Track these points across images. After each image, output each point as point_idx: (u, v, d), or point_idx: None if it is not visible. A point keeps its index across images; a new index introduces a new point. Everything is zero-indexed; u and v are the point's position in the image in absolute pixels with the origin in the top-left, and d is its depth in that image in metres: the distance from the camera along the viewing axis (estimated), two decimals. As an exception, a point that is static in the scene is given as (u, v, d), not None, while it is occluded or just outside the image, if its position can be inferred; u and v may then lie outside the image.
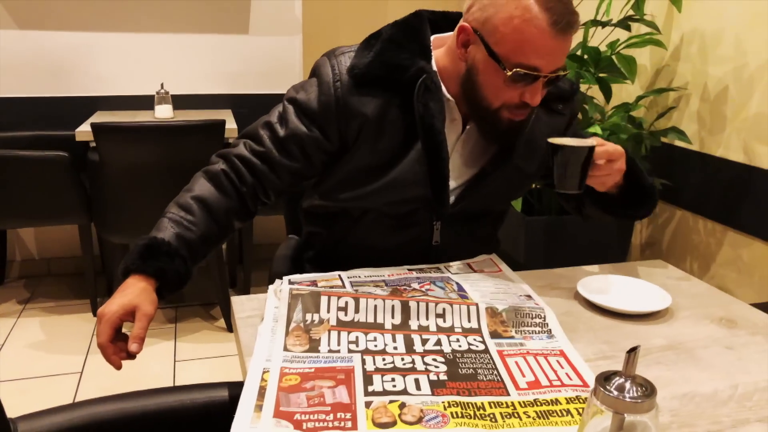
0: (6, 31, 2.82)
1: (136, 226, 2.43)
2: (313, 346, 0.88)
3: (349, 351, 0.88)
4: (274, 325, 0.93)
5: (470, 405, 0.78)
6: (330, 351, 0.88)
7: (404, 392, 0.79)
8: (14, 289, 2.96)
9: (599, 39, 2.21)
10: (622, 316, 1.02)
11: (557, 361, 0.88)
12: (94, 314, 2.70)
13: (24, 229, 3.05)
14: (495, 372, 0.85)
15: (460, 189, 1.19)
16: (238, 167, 1.14)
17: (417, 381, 0.82)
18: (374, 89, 1.11)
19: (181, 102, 3.01)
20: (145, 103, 2.99)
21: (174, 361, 2.39)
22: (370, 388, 0.80)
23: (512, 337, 0.94)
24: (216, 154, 1.18)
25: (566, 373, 0.85)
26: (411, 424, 0.74)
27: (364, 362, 0.85)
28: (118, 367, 0.91)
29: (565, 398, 0.79)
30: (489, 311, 0.98)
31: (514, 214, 2.14)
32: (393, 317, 0.95)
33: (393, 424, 0.74)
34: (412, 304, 0.96)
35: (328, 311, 0.94)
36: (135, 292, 0.96)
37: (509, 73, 1.01)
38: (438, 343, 0.92)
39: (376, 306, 0.96)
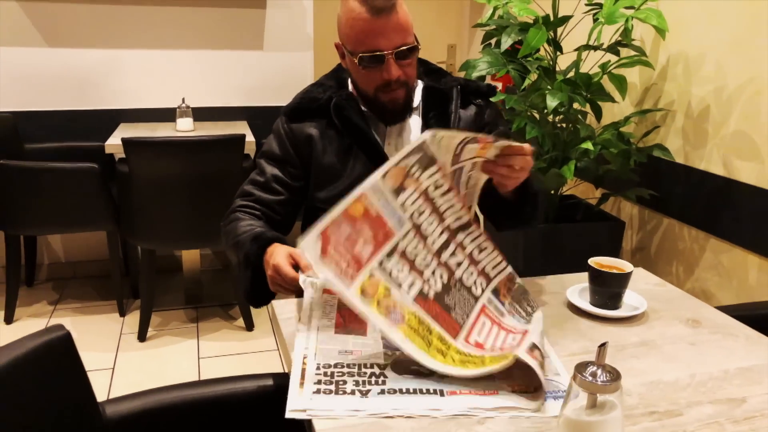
0: (37, 49, 3.01)
1: (162, 233, 2.61)
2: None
3: (406, 212, 0.98)
4: (310, 313, 1.07)
5: (425, 326, 0.96)
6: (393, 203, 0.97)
7: (398, 285, 0.95)
8: (44, 291, 3.15)
9: (592, 61, 2.39)
10: (604, 319, 1.20)
11: (512, 338, 1.04)
12: (121, 314, 2.89)
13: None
14: (464, 317, 1.02)
15: None
16: (247, 210, 1.38)
17: (413, 283, 0.98)
18: (308, 118, 1.41)
19: (200, 114, 3.19)
20: (167, 115, 3.18)
21: (198, 358, 2.57)
22: (384, 263, 0.94)
23: (503, 303, 1.10)
24: (228, 212, 1.41)
25: (509, 345, 1.01)
26: (380, 309, 0.92)
27: (405, 234, 0.97)
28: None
29: (490, 357, 0.96)
30: (509, 275, 1.14)
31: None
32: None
33: (370, 301, 0.91)
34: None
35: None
36: (279, 247, 1.18)
37: (356, 60, 1.29)
38: (459, 264, 1.06)
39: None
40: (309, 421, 0.87)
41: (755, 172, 2.00)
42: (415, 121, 1.44)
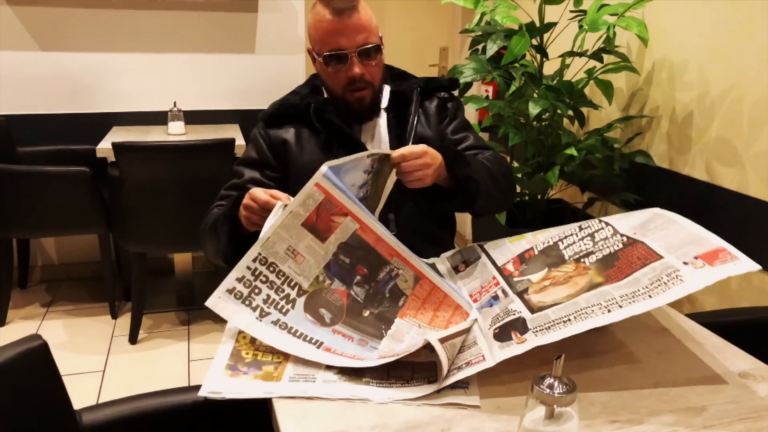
0: (30, 52, 3.03)
1: (153, 236, 2.64)
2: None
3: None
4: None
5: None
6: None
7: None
8: (36, 293, 3.17)
9: (577, 67, 2.41)
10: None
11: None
12: (113, 316, 2.92)
13: (45, 236, 3.26)
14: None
15: None
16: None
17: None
18: (284, 123, 1.47)
19: (192, 117, 3.21)
20: (159, 118, 3.20)
21: (188, 360, 2.59)
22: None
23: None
24: (207, 211, 1.45)
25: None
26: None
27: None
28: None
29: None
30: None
31: (499, 226, 2.35)
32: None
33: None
34: None
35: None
36: (257, 189, 1.20)
37: (320, 60, 1.36)
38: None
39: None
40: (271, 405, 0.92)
41: (736, 177, 2.02)
42: (383, 121, 1.49)
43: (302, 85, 1.55)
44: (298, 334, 1.04)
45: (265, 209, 1.14)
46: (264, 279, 1.05)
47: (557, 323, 0.99)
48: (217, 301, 1.04)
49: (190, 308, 3.05)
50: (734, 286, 2.05)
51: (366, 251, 1.10)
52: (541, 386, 0.80)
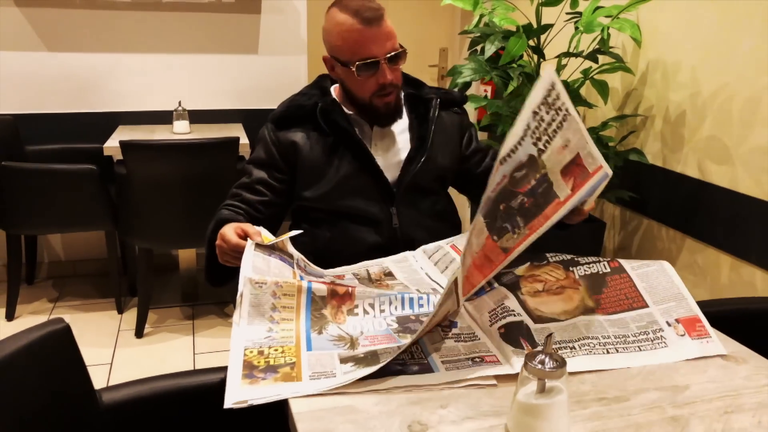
0: (38, 53, 3.09)
1: (159, 233, 2.70)
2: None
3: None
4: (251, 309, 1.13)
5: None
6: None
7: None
8: (44, 289, 3.23)
9: (573, 68, 2.48)
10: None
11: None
12: (119, 312, 2.98)
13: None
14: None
15: (396, 170, 1.51)
16: (232, 209, 1.49)
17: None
18: (293, 125, 1.51)
19: (196, 117, 3.27)
20: (163, 118, 3.26)
21: (193, 353, 2.65)
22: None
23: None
24: (218, 209, 1.51)
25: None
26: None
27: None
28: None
29: None
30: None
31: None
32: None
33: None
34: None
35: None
36: (229, 225, 1.28)
37: (354, 68, 1.39)
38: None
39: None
40: (286, 403, 0.95)
41: (727, 175, 2.08)
42: (398, 124, 1.55)
43: (310, 85, 1.60)
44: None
45: (236, 250, 1.21)
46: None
47: (563, 347, 1.10)
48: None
49: (195, 304, 3.12)
50: (725, 280, 2.11)
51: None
52: (533, 362, 0.86)
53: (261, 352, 1.04)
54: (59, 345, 1.03)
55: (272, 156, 1.52)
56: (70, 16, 3.08)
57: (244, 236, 1.24)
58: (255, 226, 1.28)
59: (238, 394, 0.94)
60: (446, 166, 1.58)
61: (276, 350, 1.04)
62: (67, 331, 1.05)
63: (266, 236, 1.27)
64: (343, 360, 1.03)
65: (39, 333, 1.01)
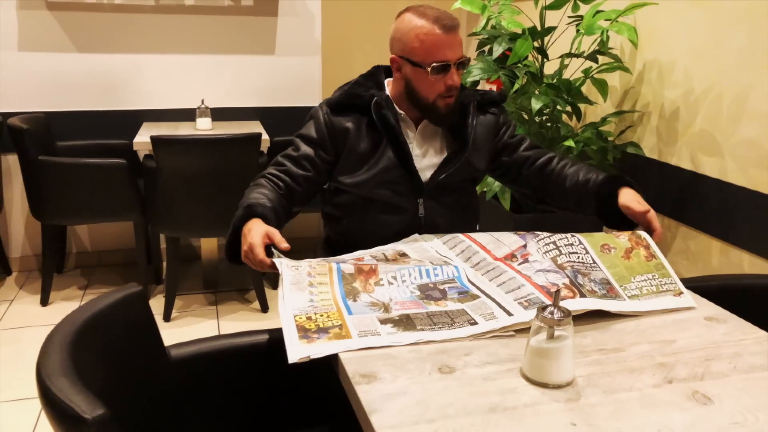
0: (67, 54, 3.26)
1: (186, 222, 2.87)
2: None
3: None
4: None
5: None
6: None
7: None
8: (73, 278, 3.40)
9: (574, 67, 2.65)
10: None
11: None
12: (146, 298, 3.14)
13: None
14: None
15: (430, 171, 1.65)
16: (272, 179, 1.61)
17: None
18: (348, 113, 1.62)
19: (217, 114, 3.44)
20: (186, 115, 3.43)
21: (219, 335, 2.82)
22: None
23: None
24: (258, 175, 1.63)
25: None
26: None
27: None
28: (270, 265, 1.31)
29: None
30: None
31: (503, 212, 2.58)
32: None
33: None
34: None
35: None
36: (258, 225, 1.37)
37: (429, 69, 1.51)
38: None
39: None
40: (336, 356, 1.12)
41: (717, 166, 2.25)
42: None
43: (365, 75, 1.68)
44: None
45: (260, 264, 1.31)
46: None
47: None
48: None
49: (217, 291, 3.29)
50: (715, 264, 2.28)
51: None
52: (544, 313, 1.03)
53: (309, 318, 1.18)
54: (136, 305, 1.20)
55: (323, 137, 1.61)
56: (98, 19, 3.25)
57: (270, 242, 1.33)
58: (279, 233, 1.36)
59: (300, 351, 1.08)
60: (480, 168, 1.72)
61: (321, 315, 1.19)
62: (141, 294, 1.22)
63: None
64: (383, 321, 1.19)
65: (120, 294, 1.18)
